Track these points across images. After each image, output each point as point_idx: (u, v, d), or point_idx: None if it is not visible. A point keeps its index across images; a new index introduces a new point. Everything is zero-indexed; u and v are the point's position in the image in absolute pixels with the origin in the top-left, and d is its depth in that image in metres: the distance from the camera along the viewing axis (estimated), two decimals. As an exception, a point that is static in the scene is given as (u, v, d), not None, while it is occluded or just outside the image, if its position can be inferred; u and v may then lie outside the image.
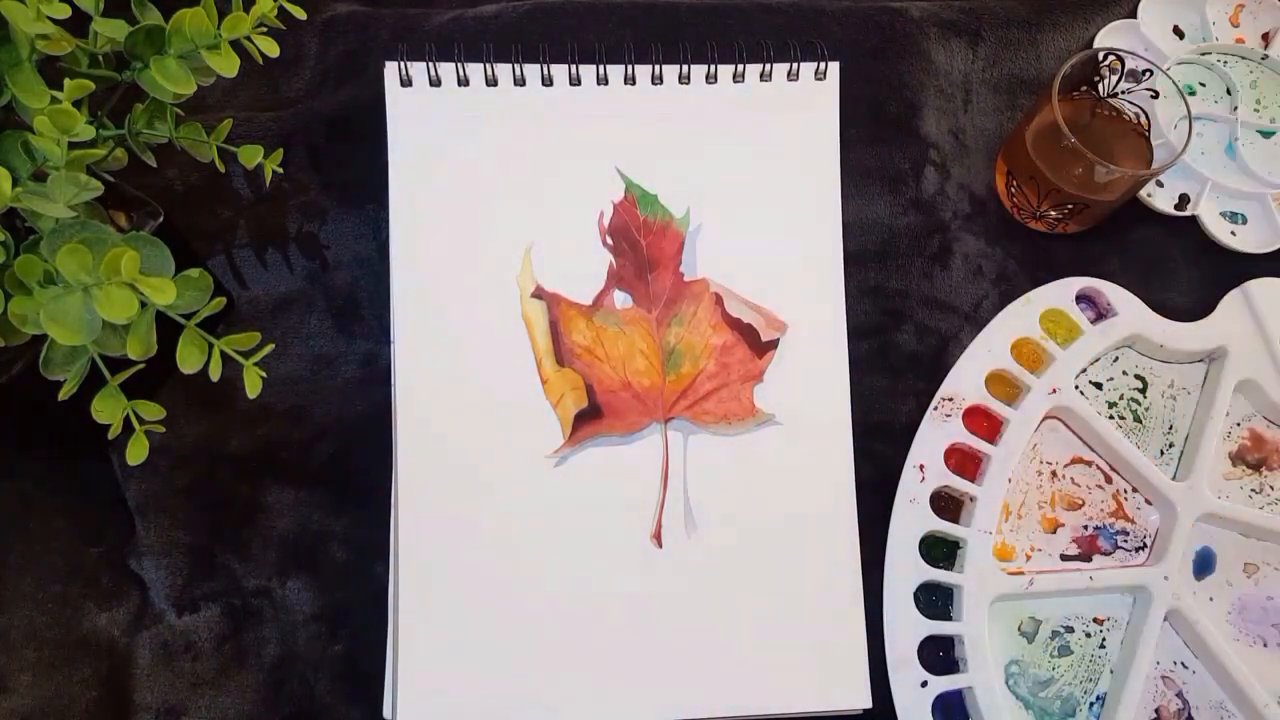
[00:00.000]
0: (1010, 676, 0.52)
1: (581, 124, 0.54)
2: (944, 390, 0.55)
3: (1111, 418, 0.57)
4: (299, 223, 0.56)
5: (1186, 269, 0.61)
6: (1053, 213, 0.58)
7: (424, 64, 0.53)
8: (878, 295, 0.58)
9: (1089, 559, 0.55)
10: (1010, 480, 0.55)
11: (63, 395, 0.38)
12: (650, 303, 0.53)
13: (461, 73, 0.54)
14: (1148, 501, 0.56)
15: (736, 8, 0.61)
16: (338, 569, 0.52)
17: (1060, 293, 0.57)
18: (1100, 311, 0.58)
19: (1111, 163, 0.53)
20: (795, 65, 0.56)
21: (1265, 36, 0.66)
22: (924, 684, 0.50)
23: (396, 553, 0.50)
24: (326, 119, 0.58)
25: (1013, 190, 0.59)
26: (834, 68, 0.56)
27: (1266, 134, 0.64)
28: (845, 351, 0.54)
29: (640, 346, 0.53)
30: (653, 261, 0.54)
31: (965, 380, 0.55)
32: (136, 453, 0.38)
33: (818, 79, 0.56)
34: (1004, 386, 0.56)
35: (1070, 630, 0.53)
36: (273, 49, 0.41)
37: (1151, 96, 0.58)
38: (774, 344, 0.54)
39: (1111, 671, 0.53)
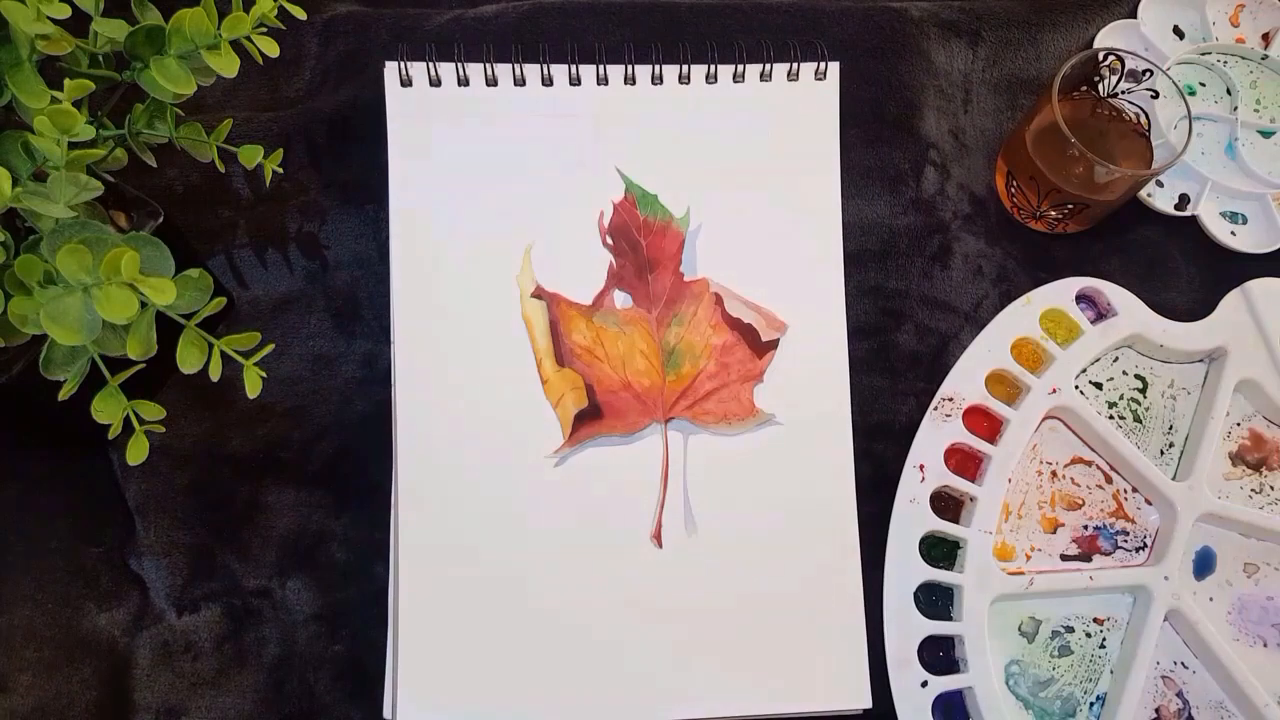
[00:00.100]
0: (1010, 676, 0.52)
1: (581, 124, 0.54)
2: (944, 390, 0.55)
3: (1111, 418, 0.57)
4: (299, 223, 0.57)
5: (1186, 269, 0.61)
6: (1053, 213, 0.58)
7: (424, 64, 0.53)
8: (878, 295, 0.58)
9: (1089, 559, 0.55)
10: (1010, 480, 0.55)
11: (63, 395, 0.38)
12: (650, 303, 0.54)
13: (461, 73, 0.54)
14: (1148, 501, 0.56)
15: (736, 8, 0.61)
16: (338, 569, 0.52)
17: (1060, 293, 0.57)
18: (1100, 311, 0.58)
19: (1111, 163, 0.53)
20: (795, 65, 0.56)
21: (1265, 36, 0.66)
22: (924, 684, 0.50)
23: (396, 553, 0.50)
24: (326, 119, 0.58)
25: (1013, 190, 0.59)
26: (834, 68, 0.56)
27: (1266, 134, 0.64)
28: (845, 351, 0.54)
29: (640, 346, 0.53)
30: (653, 261, 0.54)
31: (965, 380, 0.55)
32: (136, 453, 0.38)
33: (818, 79, 0.56)
34: (1004, 386, 0.56)
35: (1070, 630, 0.53)
36: (273, 49, 0.41)
37: (1151, 96, 0.58)
38: (774, 344, 0.54)
39: (1111, 671, 0.53)
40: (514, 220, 0.53)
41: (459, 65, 0.53)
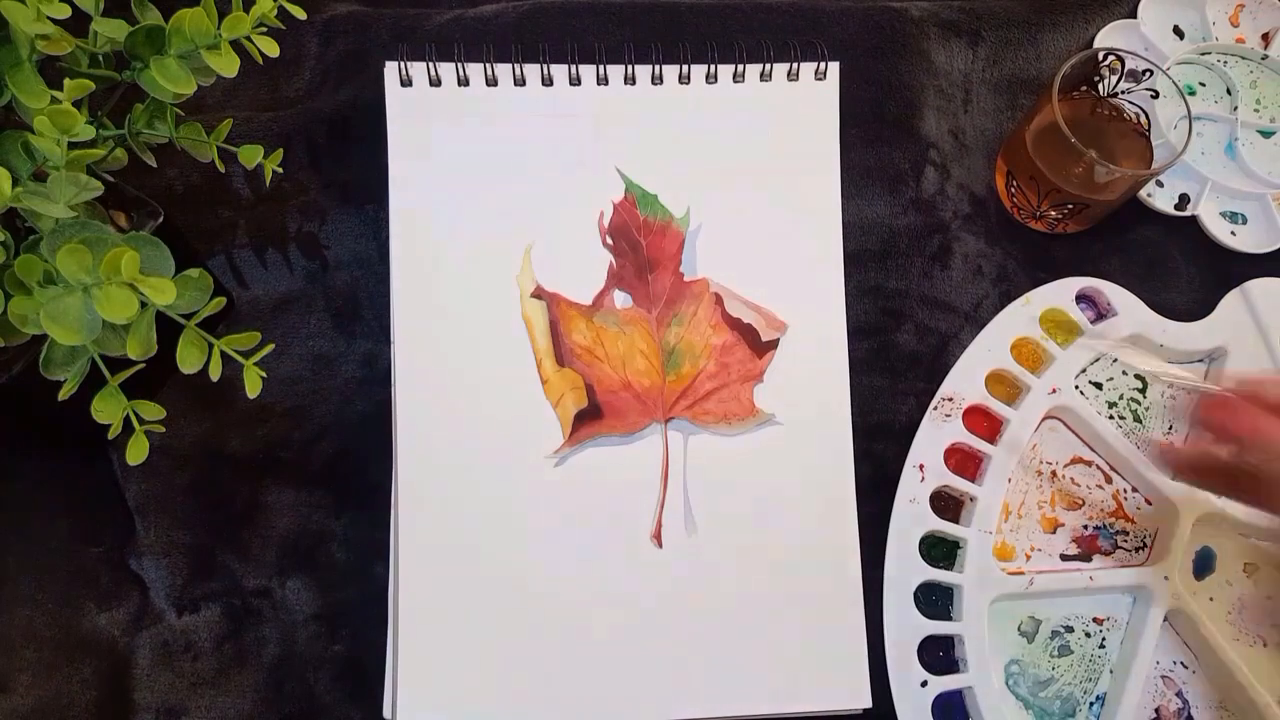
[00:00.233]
0: (1010, 676, 0.52)
1: (582, 124, 0.54)
2: (944, 390, 0.55)
3: (1111, 418, 0.57)
4: (299, 223, 0.56)
5: (1186, 269, 0.61)
6: (1053, 213, 0.58)
7: (424, 64, 0.53)
8: (878, 295, 0.58)
9: (1089, 559, 0.55)
10: (1010, 480, 0.55)
11: (63, 395, 0.38)
12: (650, 303, 0.53)
13: (461, 73, 0.54)
14: (1148, 501, 0.56)
15: (736, 8, 0.61)
16: (338, 569, 0.52)
17: (1060, 293, 0.57)
18: (1100, 311, 0.58)
19: (1111, 163, 0.53)
20: (795, 65, 0.56)
21: (1265, 36, 0.66)
22: (924, 684, 0.50)
23: (396, 553, 0.50)
24: (326, 119, 0.58)
25: (1013, 190, 0.59)
26: (834, 68, 0.56)
27: (1266, 134, 0.64)
28: (845, 351, 0.54)
29: (640, 346, 0.53)
30: (653, 261, 0.54)
31: (965, 380, 0.55)
32: (136, 453, 0.38)
33: (818, 79, 0.56)
34: (1004, 386, 0.56)
35: (1070, 630, 0.53)
36: (273, 49, 0.41)
37: (1151, 96, 0.58)
38: (774, 344, 0.54)
39: (1111, 671, 0.53)
40: (514, 220, 0.53)
41: (459, 65, 0.53)
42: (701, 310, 0.54)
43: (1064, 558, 0.55)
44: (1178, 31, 0.66)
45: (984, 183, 0.62)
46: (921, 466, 0.53)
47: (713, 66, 0.55)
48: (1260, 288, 0.58)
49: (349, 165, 0.57)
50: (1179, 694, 0.53)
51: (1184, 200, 0.61)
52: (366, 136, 0.55)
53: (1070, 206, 0.56)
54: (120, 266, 0.33)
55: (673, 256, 0.54)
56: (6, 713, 0.48)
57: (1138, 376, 0.58)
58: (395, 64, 0.53)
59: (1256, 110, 0.64)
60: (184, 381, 0.53)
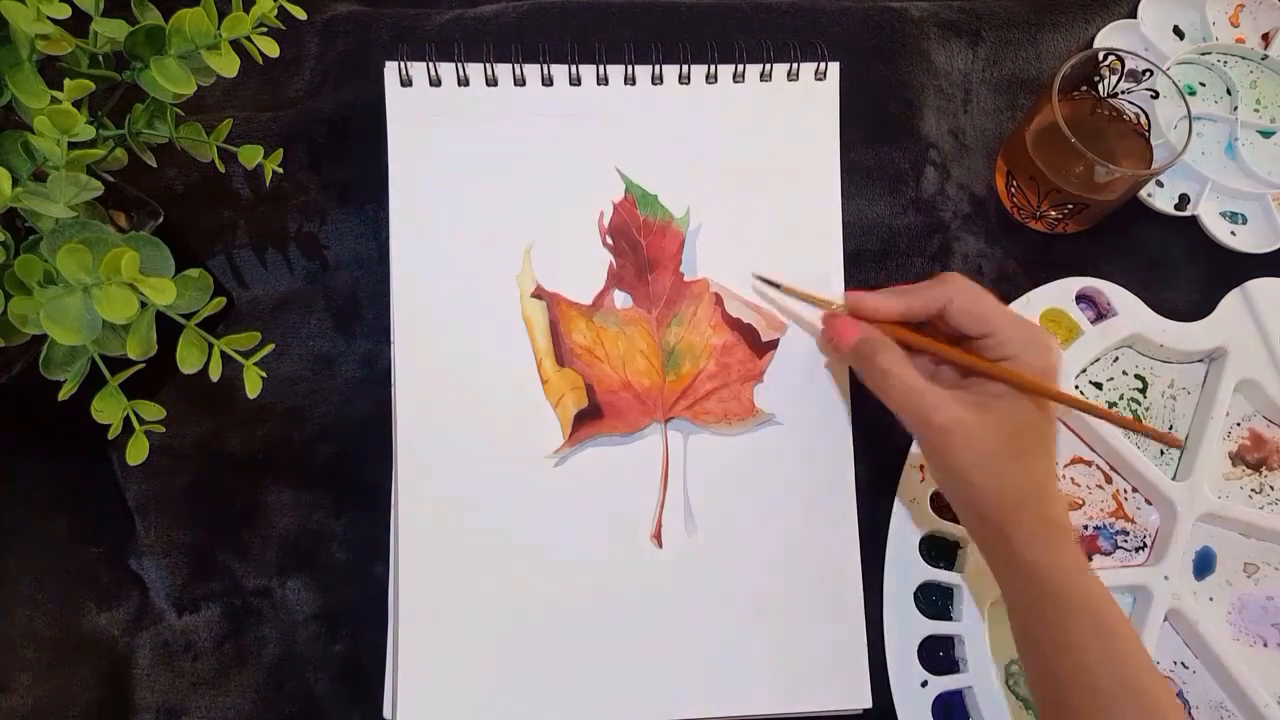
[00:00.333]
0: (1010, 676, 0.52)
1: (581, 124, 0.54)
2: (944, 390, 0.54)
3: (1111, 418, 0.57)
4: (299, 223, 0.56)
5: (1186, 269, 0.61)
6: (1053, 213, 0.58)
7: (424, 64, 0.53)
8: (878, 295, 0.58)
9: (1089, 559, 0.55)
10: (1010, 480, 0.55)
11: (63, 395, 0.38)
12: (650, 303, 0.53)
13: (461, 73, 0.54)
14: (1148, 501, 0.56)
15: (736, 8, 0.61)
16: (338, 569, 0.52)
17: (1060, 293, 0.57)
18: (1100, 311, 0.58)
19: (1111, 163, 0.53)
20: (795, 65, 0.56)
21: (1265, 36, 0.66)
22: (924, 684, 0.51)
23: (396, 553, 0.50)
24: (326, 119, 0.58)
25: (1013, 190, 0.59)
26: (834, 68, 0.56)
27: (1266, 134, 0.64)
28: (845, 351, 0.54)
29: (640, 346, 0.53)
30: (653, 261, 0.54)
31: (965, 380, 0.55)
32: (136, 453, 0.38)
33: (818, 79, 0.56)
34: (1004, 386, 0.56)
35: (1070, 630, 0.53)
36: (273, 49, 0.41)
37: (1151, 96, 0.58)
38: (774, 344, 0.54)
39: (1111, 671, 0.53)
40: (514, 220, 0.53)
41: (459, 65, 0.53)
42: (701, 310, 0.54)
43: (1064, 558, 0.54)
44: (1178, 31, 0.66)
45: (984, 183, 0.62)
46: (922, 467, 0.53)
47: (713, 66, 0.55)
48: (1260, 288, 0.58)
49: (349, 165, 0.57)
50: (1179, 694, 0.53)
51: (1184, 200, 0.61)
52: (366, 136, 0.55)
53: (1070, 206, 0.56)
54: (120, 266, 0.33)
55: (673, 256, 0.54)
56: (6, 713, 0.48)
57: (1138, 376, 0.58)
58: (395, 64, 0.53)
59: (1256, 110, 0.64)
60: (184, 381, 0.53)
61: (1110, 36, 0.65)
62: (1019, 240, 0.60)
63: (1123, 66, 0.57)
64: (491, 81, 0.54)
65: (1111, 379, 0.58)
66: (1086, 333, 0.57)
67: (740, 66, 0.55)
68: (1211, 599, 0.54)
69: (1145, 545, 0.55)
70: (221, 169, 0.47)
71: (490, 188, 0.53)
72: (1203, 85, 0.65)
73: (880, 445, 0.55)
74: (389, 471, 0.51)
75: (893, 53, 0.62)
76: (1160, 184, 0.62)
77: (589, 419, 0.52)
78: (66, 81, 0.35)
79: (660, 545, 0.51)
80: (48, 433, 0.51)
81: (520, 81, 0.54)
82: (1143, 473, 0.55)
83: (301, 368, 0.54)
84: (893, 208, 0.59)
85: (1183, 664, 0.53)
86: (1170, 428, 0.57)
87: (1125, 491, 0.56)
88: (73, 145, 0.36)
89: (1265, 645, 0.54)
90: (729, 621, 0.51)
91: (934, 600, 0.53)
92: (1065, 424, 0.57)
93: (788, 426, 0.53)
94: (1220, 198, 0.62)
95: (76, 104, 0.35)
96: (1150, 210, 0.61)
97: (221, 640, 0.50)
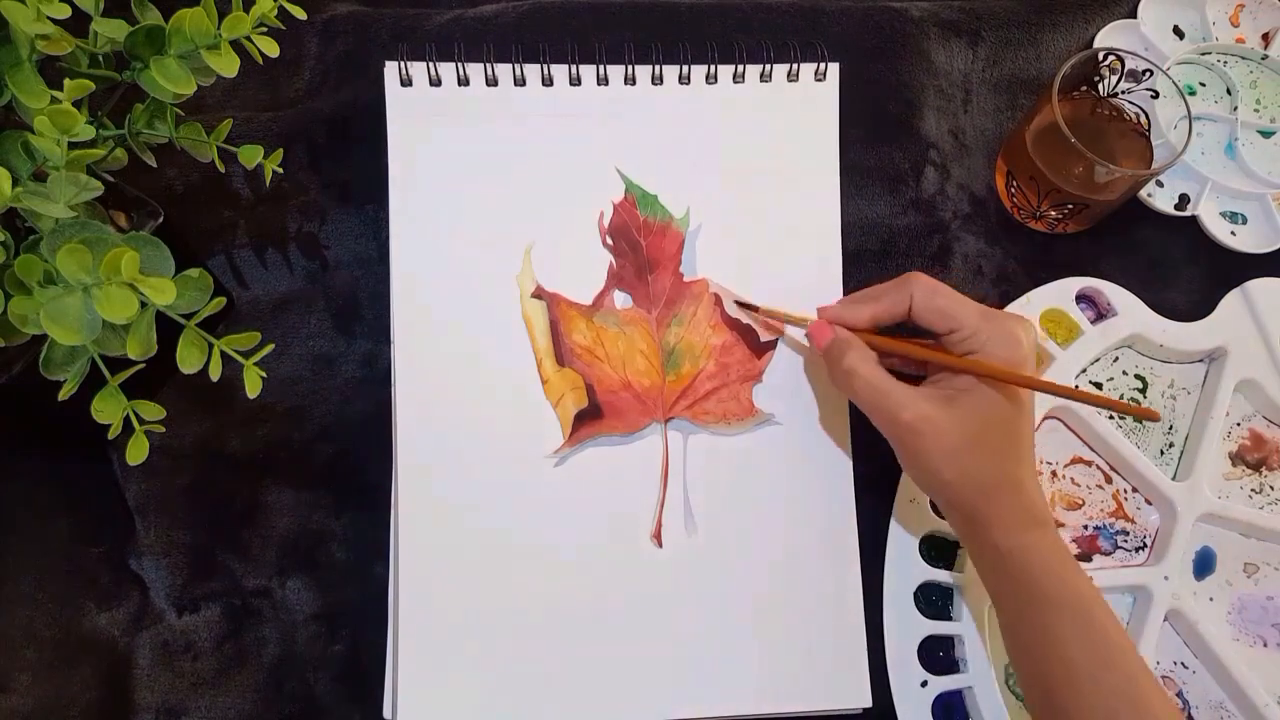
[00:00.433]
0: (1010, 676, 0.52)
1: (582, 124, 0.54)
2: (944, 390, 0.54)
3: (1111, 418, 0.57)
4: (299, 223, 0.57)
5: (1186, 269, 0.61)
6: (1053, 213, 0.58)
7: (424, 64, 0.53)
8: (878, 295, 0.58)
9: (1089, 559, 0.55)
10: (1010, 480, 0.55)
11: (63, 395, 0.38)
12: (650, 303, 0.53)
13: (461, 73, 0.54)
14: (1148, 501, 0.56)
15: (736, 8, 0.61)
16: (338, 569, 0.52)
17: (1060, 293, 0.57)
18: (1100, 311, 0.58)
19: (1111, 163, 0.53)
20: (795, 65, 0.56)
21: (1265, 36, 0.66)
22: (924, 684, 0.51)
23: (396, 553, 0.50)
24: (326, 119, 0.58)
25: (1013, 190, 0.59)
26: (834, 68, 0.56)
27: (1266, 134, 0.64)
28: (845, 351, 0.54)
29: (640, 346, 0.53)
30: (653, 262, 0.54)
31: (965, 380, 0.55)
32: (136, 453, 0.38)
33: (818, 79, 0.56)
34: (1004, 386, 0.56)
35: (1070, 630, 0.53)
36: (273, 49, 0.41)
37: (1151, 96, 0.58)
38: (773, 344, 0.54)
39: (1111, 671, 0.53)
40: (514, 220, 0.53)
41: (459, 65, 0.53)
42: (701, 310, 0.54)
43: (1064, 558, 0.54)
44: (1178, 31, 0.66)
45: (984, 183, 0.62)
46: (921, 466, 0.53)
47: (713, 67, 0.55)
48: (1260, 288, 0.58)
49: (349, 165, 0.58)
50: (1179, 694, 0.53)
51: (1184, 200, 0.61)
52: (366, 136, 0.55)
53: (1070, 206, 0.56)
54: (120, 266, 0.33)
55: (673, 257, 0.54)
56: (6, 713, 0.48)
57: (1138, 376, 0.58)
58: (395, 64, 0.53)
59: (1256, 110, 0.64)
60: (184, 381, 0.53)
61: (1110, 36, 0.65)
62: (1019, 240, 0.60)
63: (1123, 66, 0.57)
64: (492, 81, 0.54)
65: (1111, 379, 0.58)
66: (1086, 333, 0.57)
67: (740, 67, 0.55)
68: (1211, 599, 0.54)
69: (1145, 545, 0.55)
70: (221, 169, 0.47)
71: (490, 188, 0.53)
72: (1203, 85, 0.65)
73: (880, 445, 0.55)
74: (389, 471, 0.51)
75: (893, 53, 0.62)
76: (1160, 184, 0.62)
77: (589, 419, 0.52)
78: (66, 81, 0.35)
79: (660, 545, 0.51)
80: (48, 433, 0.51)
81: (520, 81, 0.54)
82: (1143, 473, 0.55)
83: (301, 368, 0.54)
84: (893, 208, 0.59)
85: (1183, 664, 0.53)
86: (1170, 428, 0.57)
87: (1125, 491, 0.56)
88: (73, 145, 0.36)
89: (1265, 645, 0.54)
90: (729, 621, 0.51)
91: (934, 600, 0.53)
92: (1065, 424, 0.57)
93: (787, 426, 0.53)
94: (1220, 198, 0.62)
95: (76, 104, 0.35)
96: (1150, 210, 0.61)
97: (221, 640, 0.50)
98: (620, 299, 0.53)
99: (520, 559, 0.50)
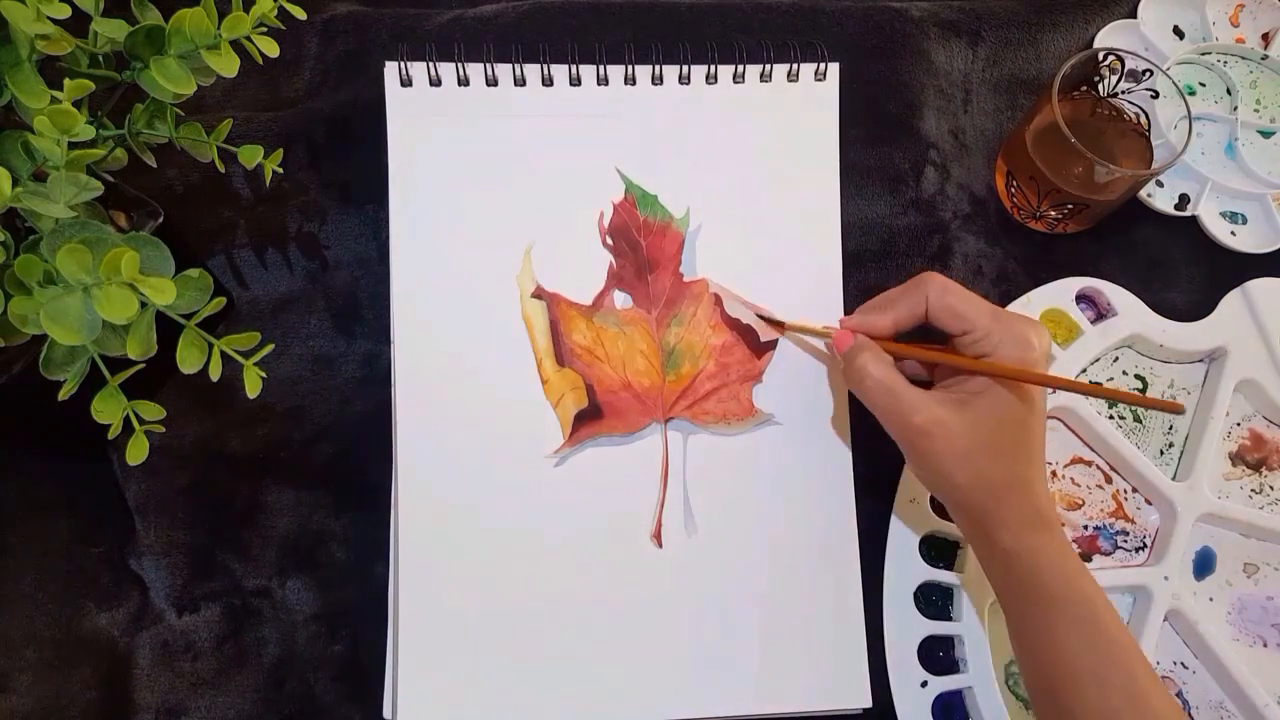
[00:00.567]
0: (1010, 676, 0.52)
1: (581, 124, 0.54)
2: (944, 390, 0.54)
3: (1111, 418, 0.57)
4: (299, 223, 0.57)
5: (1186, 269, 0.61)
6: (1053, 213, 0.58)
7: (424, 64, 0.53)
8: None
9: (1089, 559, 0.55)
10: (1010, 480, 0.55)
11: (63, 395, 0.38)
12: (650, 303, 0.53)
13: (461, 73, 0.54)
14: (1148, 501, 0.56)
15: (736, 8, 0.61)
16: (338, 569, 0.52)
17: (1060, 293, 0.57)
18: (1100, 311, 0.58)
19: (1111, 163, 0.53)
20: (795, 65, 0.56)
21: (1265, 36, 0.66)
22: (924, 684, 0.51)
23: (396, 553, 0.50)
24: (326, 119, 0.58)
25: (1013, 190, 0.59)
26: (834, 68, 0.56)
27: (1266, 134, 0.64)
28: (845, 351, 0.54)
29: (640, 346, 0.53)
30: (653, 262, 0.54)
31: (965, 380, 0.55)
32: (136, 453, 0.38)
33: (818, 79, 0.56)
34: (1004, 386, 0.56)
35: (1070, 630, 0.53)
36: (273, 49, 0.41)
37: (1151, 96, 0.58)
38: (773, 344, 0.54)
39: (1111, 671, 0.53)
40: (514, 220, 0.53)
41: (459, 65, 0.53)
42: (701, 311, 0.54)
43: (1064, 558, 0.54)
44: (1178, 31, 0.66)
45: (984, 183, 0.62)
46: (921, 466, 0.53)
47: (713, 67, 0.55)
48: (1260, 288, 0.58)
49: (349, 165, 0.58)
50: (1179, 694, 0.53)
51: (1184, 200, 0.61)
52: (366, 136, 0.55)
53: (1070, 206, 0.56)
54: (120, 266, 0.33)
55: (672, 257, 0.54)
56: (6, 713, 0.48)
57: (1138, 376, 0.58)
58: (395, 64, 0.53)
59: (1256, 110, 0.64)
60: (184, 381, 0.53)
61: (1110, 36, 0.65)
62: (1019, 240, 0.60)
63: (1123, 66, 0.57)
64: (492, 81, 0.54)
65: (1111, 379, 0.58)
66: (1086, 333, 0.57)
67: (740, 67, 0.55)
68: (1211, 599, 0.54)
69: (1145, 545, 0.55)
70: (221, 169, 0.47)
71: (490, 188, 0.53)
72: (1203, 85, 0.65)
73: (880, 445, 0.55)
74: (389, 471, 0.51)
75: (893, 53, 0.62)
76: (1160, 184, 0.62)
77: (589, 419, 0.52)
78: (66, 81, 0.35)
79: (660, 545, 0.51)
80: (48, 433, 0.51)
81: (520, 82, 0.54)
82: (1142, 473, 0.55)
83: (301, 368, 0.54)
84: (893, 208, 0.59)
85: (1182, 664, 0.53)
86: (1170, 428, 0.57)
87: (1125, 491, 0.56)
88: (73, 145, 0.36)
89: (1265, 645, 0.54)
90: (729, 621, 0.51)
91: (934, 600, 0.53)
92: (1065, 424, 0.57)
93: (787, 426, 0.53)
94: (1220, 198, 0.62)
95: (76, 104, 0.35)
96: (1150, 210, 0.61)
97: (221, 640, 0.50)
98: (620, 299, 0.53)
99: (520, 559, 0.50)
